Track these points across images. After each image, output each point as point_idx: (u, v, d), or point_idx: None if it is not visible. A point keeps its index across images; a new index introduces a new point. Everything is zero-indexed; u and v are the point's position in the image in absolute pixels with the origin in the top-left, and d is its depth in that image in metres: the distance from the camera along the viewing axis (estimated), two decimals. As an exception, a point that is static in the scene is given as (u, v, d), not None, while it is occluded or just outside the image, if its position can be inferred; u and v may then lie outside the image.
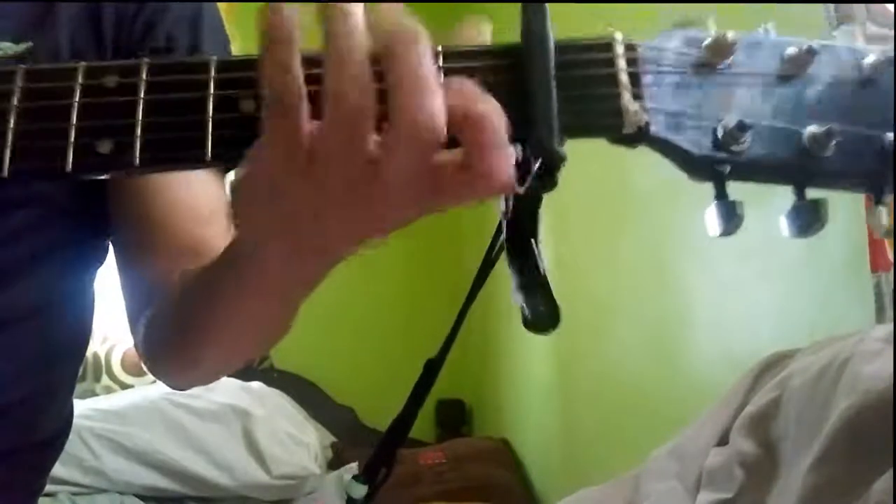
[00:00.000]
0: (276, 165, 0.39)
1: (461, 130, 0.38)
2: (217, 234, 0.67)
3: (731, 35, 0.42)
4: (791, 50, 0.42)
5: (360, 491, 0.56)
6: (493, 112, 0.38)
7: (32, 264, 0.68)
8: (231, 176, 0.44)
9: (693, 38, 0.43)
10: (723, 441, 1.03)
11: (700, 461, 1.02)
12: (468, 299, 0.52)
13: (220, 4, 0.75)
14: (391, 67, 0.38)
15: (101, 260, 0.76)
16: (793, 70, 0.42)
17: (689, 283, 1.74)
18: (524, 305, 0.44)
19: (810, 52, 0.42)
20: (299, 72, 0.38)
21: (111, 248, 0.75)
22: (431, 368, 0.55)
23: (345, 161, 0.38)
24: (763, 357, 1.10)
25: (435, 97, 0.37)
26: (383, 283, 3.07)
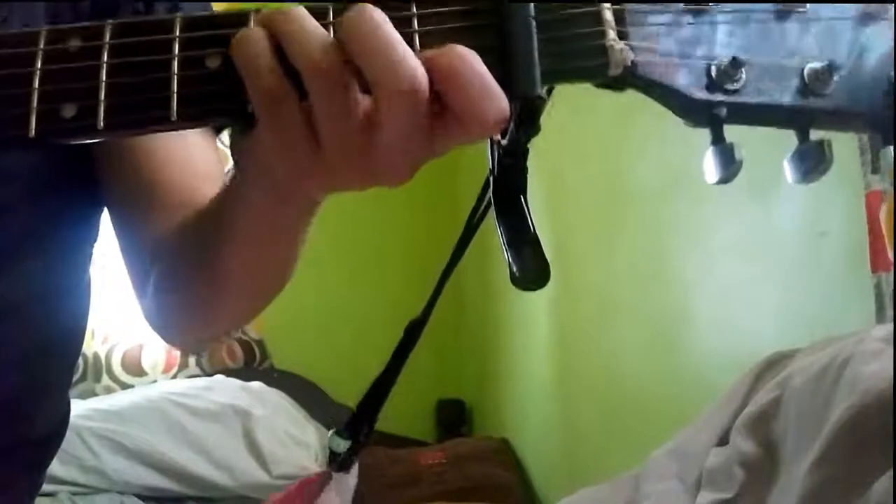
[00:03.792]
0: (279, 149, 0.41)
1: (442, 84, 0.38)
2: (214, 188, 0.67)
3: None
4: None
5: (342, 445, 0.56)
6: (470, 58, 0.38)
7: (24, 246, 0.67)
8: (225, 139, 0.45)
9: None
10: (723, 441, 1.02)
11: (700, 461, 1.02)
12: (454, 255, 0.52)
13: (219, 4, 0.74)
14: (347, 36, 0.39)
15: (94, 238, 0.75)
16: (791, 4, 0.40)
17: (689, 283, 1.74)
18: (512, 262, 0.43)
19: None
20: (276, 69, 0.39)
21: (108, 214, 0.74)
22: (414, 329, 0.56)
23: (341, 131, 0.40)
24: (763, 357, 1.10)
25: (397, 42, 0.38)
26: (384, 284, 3.07)
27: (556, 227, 2.23)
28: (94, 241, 0.76)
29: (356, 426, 0.56)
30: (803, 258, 1.36)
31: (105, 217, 0.75)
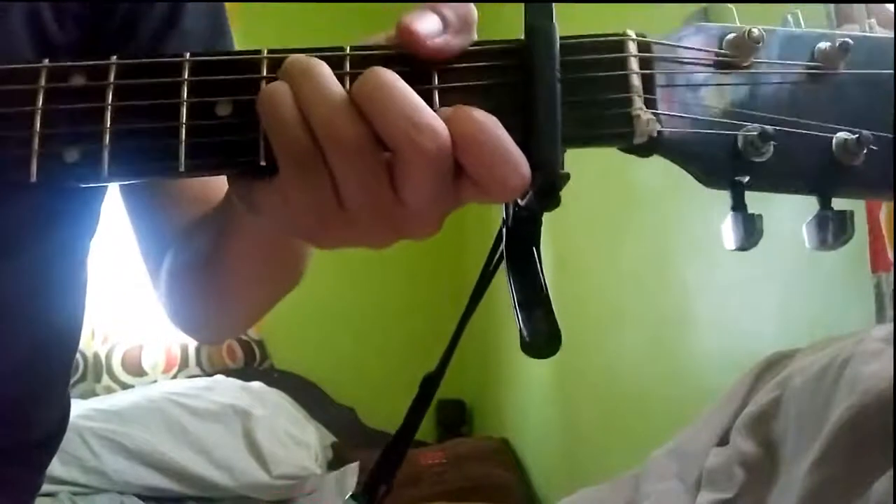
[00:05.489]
0: (304, 206, 0.39)
1: (460, 152, 0.37)
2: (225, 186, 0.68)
3: (756, 30, 0.38)
4: (823, 44, 0.38)
5: None
6: (490, 127, 0.37)
7: (20, 240, 0.66)
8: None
9: (715, 34, 0.38)
10: (723, 441, 1.03)
11: (700, 461, 1.03)
12: (466, 312, 0.50)
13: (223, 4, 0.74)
14: (362, 100, 0.37)
15: (92, 232, 0.75)
16: (824, 68, 0.38)
17: (690, 284, 1.74)
18: (522, 326, 0.41)
19: (844, 49, 0.38)
20: (306, 133, 0.37)
21: (123, 203, 0.74)
22: (430, 384, 0.52)
23: (364, 194, 0.38)
24: (763, 357, 1.10)
25: (416, 106, 0.36)
26: (384, 284, 3.07)
27: (559, 229, 2.23)
28: (92, 235, 0.75)
29: (374, 487, 0.53)
30: (804, 258, 1.36)
31: (103, 213, 0.75)
